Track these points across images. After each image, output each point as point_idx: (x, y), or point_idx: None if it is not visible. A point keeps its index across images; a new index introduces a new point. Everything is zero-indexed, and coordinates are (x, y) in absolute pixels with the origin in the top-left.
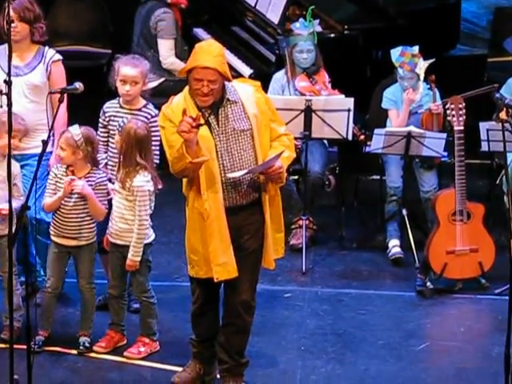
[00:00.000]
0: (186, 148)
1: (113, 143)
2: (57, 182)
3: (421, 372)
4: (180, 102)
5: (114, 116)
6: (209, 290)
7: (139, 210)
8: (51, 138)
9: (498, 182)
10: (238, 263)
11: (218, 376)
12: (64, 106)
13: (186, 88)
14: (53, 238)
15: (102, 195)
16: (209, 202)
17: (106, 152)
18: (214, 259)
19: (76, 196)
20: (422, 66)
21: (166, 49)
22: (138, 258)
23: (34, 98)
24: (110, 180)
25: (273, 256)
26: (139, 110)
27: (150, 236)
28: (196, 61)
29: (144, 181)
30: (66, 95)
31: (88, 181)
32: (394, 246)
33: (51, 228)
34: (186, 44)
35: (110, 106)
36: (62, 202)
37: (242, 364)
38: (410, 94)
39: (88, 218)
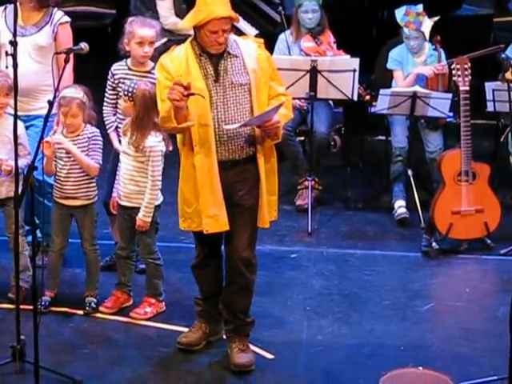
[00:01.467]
0: (175, 113)
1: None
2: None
3: (426, 332)
4: (181, 52)
5: (123, 78)
6: (209, 245)
7: (152, 171)
8: (57, 99)
9: (502, 139)
10: (234, 220)
11: (224, 336)
12: (70, 66)
13: (189, 39)
14: (55, 199)
15: (96, 149)
16: (201, 155)
17: (114, 114)
18: (204, 210)
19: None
20: (428, 24)
21: (165, 9)
22: (149, 219)
23: (39, 58)
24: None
25: (268, 215)
26: (148, 72)
27: (159, 198)
28: (211, 13)
29: (156, 141)
30: (72, 56)
31: (83, 137)
32: (400, 206)
33: (54, 190)
34: (183, 2)
35: (119, 68)
36: (61, 162)
37: (248, 323)
38: (429, 69)
39: (86, 178)
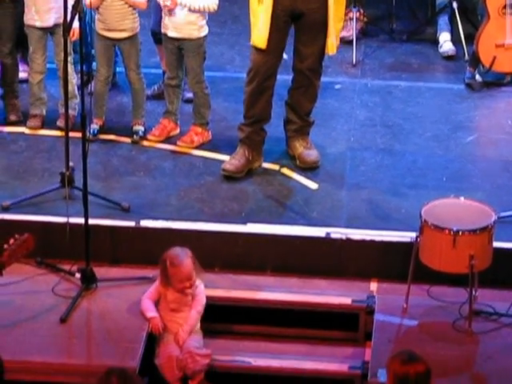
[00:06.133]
0: None
1: None
2: None
3: (468, 164)
4: None
5: None
6: (267, 63)
7: None
8: None
9: None
10: (302, 33)
11: (288, 136)
12: None
13: None
14: (98, 31)
15: None
16: None
17: None
18: None
19: None
20: None
21: None
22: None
23: None
24: None
25: (335, 41)
26: None
27: (205, 29)
28: None
29: None
30: None
31: None
32: (446, 40)
33: (97, 22)
34: None
35: None
36: None
37: (310, 123)
38: None
39: (130, 10)
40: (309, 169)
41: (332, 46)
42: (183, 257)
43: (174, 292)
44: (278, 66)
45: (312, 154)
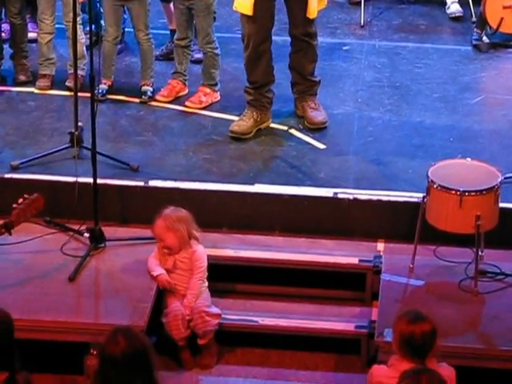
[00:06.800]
0: None
1: None
2: None
3: (475, 124)
4: None
5: None
6: (258, 29)
7: None
8: None
9: None
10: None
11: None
12: None
13: None
14: None
15: None
16: None
17: None
18: None
19: None
20: None
21: None
22: None
23: None
24: None
25: (316, 4)
26: None
27: None
28: None
29: None
30: None
31: None
32: (453, 2)
33: None
34: None
35: None
36: None
37: (316, 83)
38: None
39: None
40: (317, 129)
41: (314, 10)
42: (158, 217)
43: (169, 255)
44: (270, 29)
45: (320, 115)
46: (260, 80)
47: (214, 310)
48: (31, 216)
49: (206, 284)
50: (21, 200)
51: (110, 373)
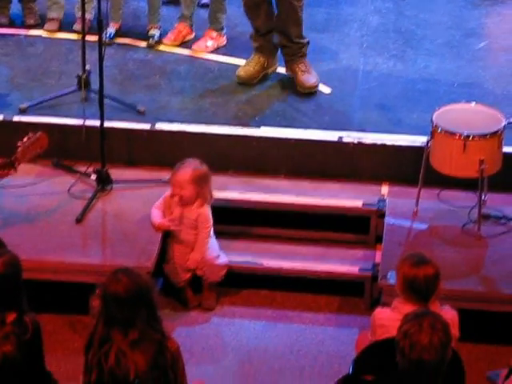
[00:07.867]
0: None
1: None
2: None
3: (479, 70)
4: None
5: None
6: None
7: None
8: None
9: None
10: None
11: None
12: None
13: None
14: None
15: None
16: None
17: None
18: None
19: None
20: None
21: None
22: None
23: None
24: None
25: None
26: None
27: None
28: None
29: None
30: None
31: None
32: None
33: None
34: None
35: None
36: None
37: (304, 45)
38: None
39: None
40: (308, 94)
41: None
42: (186, 165)
43: (177, 205)
44: None
45: (311, 78)
46: (262, 28)
47: (222, 260)
48: (36, 154)
49: (214, 237)
50: (25, 138)
51: (113, 311)
